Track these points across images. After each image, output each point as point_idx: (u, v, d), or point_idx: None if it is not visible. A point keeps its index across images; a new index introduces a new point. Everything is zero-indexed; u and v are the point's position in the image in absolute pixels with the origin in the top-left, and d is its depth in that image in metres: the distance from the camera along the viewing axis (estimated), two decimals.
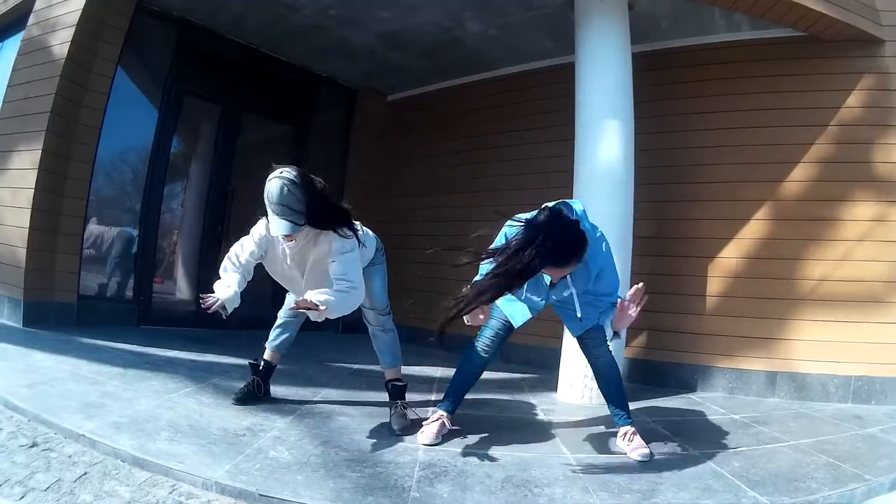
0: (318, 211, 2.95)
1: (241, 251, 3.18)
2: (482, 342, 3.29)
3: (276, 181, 2.84)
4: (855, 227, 4.66)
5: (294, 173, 2.89)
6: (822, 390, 4.56)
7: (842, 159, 4.76)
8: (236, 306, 3.01)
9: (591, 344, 3.25)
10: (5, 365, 3.72)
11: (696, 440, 3.38)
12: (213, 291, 2.96)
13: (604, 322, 3.14)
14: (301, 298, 2.82)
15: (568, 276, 2.94)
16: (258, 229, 3.21)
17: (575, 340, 3.38)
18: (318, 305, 2.74)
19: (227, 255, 3.20)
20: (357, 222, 3.23)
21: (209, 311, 2.92)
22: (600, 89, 4.50)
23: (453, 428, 3.28)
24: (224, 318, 3.02)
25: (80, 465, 2.53)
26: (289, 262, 3.19)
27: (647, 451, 3.05)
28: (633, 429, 3.19)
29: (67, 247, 5.20)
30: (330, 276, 3.01)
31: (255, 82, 6.81)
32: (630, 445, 3.10)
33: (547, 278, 2.98)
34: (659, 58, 5.43)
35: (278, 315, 3.64)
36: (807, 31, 4.83)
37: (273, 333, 3.62)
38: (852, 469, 2.94)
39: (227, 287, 3.01)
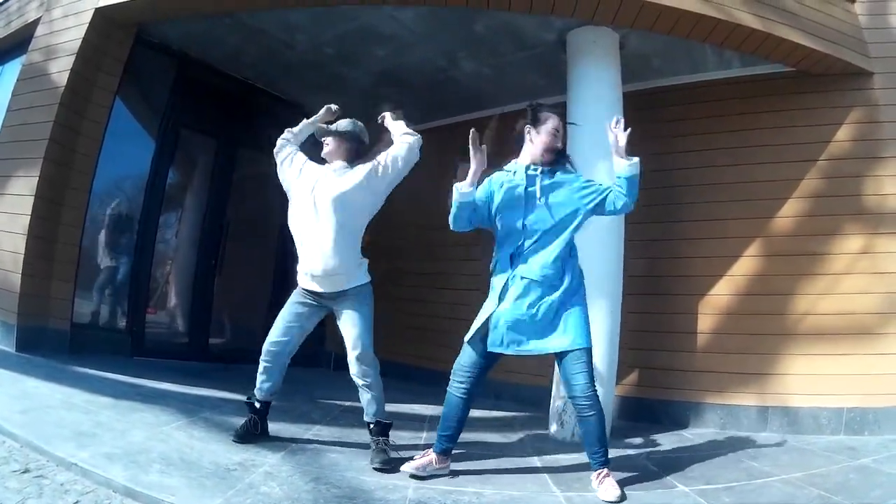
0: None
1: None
2: (454, 383, 3.27)
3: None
4: (845, 261, 4.71)
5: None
6: (814, 423, 4.55)
7: (832, 193, 4.81)
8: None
9: (574, 381, 3.12)
10: None
11: (686, 476, 3.38)
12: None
13: (579, 324, 3.18)
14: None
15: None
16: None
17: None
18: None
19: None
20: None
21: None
22: (592, 129, 4.54)
23: (443, 466, 3.26)
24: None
25: (73, 493, 2.53)
26: (314, 193, 3.48)
27: (617, 491, 2.98)
28: (607, 470, 3.11)
29: (62, 274, 5.19)
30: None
31: (250, 117, 6.85)
32: (602, 486, 3.03)
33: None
34: (650, 96, 5.52)
35: (261, 359, 3.56)
36: (797, 67, 4.92)
37: (259, 380, 3.57)
38: (844, 501, 2.94)
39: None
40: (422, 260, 7.04)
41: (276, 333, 3.53)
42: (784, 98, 5.08)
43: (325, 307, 3.56)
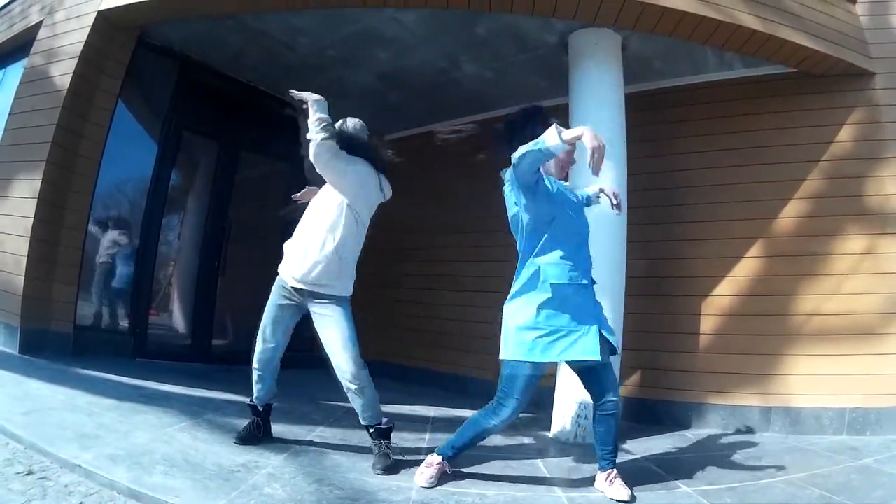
0: None
1: None
2: (501, 417, 3.10)
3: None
4: (847, 261, 4.71)
5: None
6: (816, 423, 4.55)
7: (834, 194, 4.82)
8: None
9: (607, 387, 3.10)
10: (1, 392, 3.73)
11: (689, 477, 3.38)
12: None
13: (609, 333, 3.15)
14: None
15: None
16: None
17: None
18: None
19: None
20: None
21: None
22: (594, 130, 4.57)
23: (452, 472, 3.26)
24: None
25: (77, 494, 2.54)
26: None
27: (627, 491, 2.99)
28: (615, 471, 3.13)
29: (65, 277, 5.21)
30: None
31: (253, 119, 6.87)
32: (612, 486, 3.05)
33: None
34: (652, 98, 5.53)
35: (253, 369, 3.55)
36: (798, 68, 4.93)
37: (255, 388, 3.56)
38: (845, 501, 2.95)
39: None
40: (423, 261, 7.03)
41: (263, 340, 3.49)
42: (785, 99, 5.08)
43: (303, 307, 3.47)
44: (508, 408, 3.06)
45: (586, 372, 3.14)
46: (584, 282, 3.08)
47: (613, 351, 3.16)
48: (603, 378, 3.12)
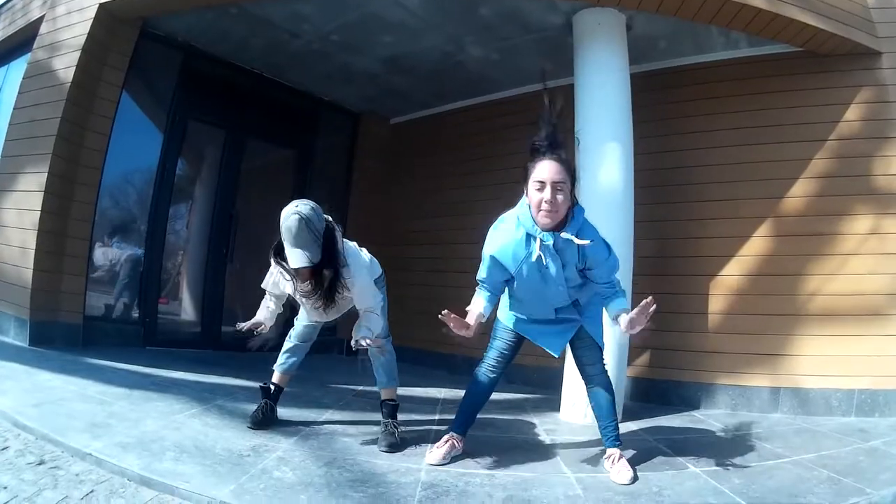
0: (330, 249, 3.08)
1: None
2: (487, 364, 3.34)
3: (294, 217, 2.90)
4: (855, 241, 4.67)
5: (310, 208, 2.98)
6: (825, 405, 4.54)
7: (841, 173, 4.77)
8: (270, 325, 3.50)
9: (587, 362, 3.28)
10: (13, 384, 3.76)
11: (697, 457, 3.38)
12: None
13: (595, 334, 3.25)
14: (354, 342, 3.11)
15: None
16: (269, 275, 3.53)
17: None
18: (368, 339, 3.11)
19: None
20: (363, 248, 3.57)
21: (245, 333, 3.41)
22: (599, 111, 4.57)
23: (461, 447, 3.28)
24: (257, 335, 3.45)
25: (87, 483, 2.56)
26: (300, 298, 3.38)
27: (630, 474, 2.99)
28: (619, 451, 3.17)
29: (73, 268, 5.24)
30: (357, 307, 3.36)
31: (259, 107, 6.87)
32: (614, 467, 3.06)
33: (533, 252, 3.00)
34: (657, 77, 5.49)
35: (288, 336, 3.68)
36: (804, 47, 4.87)
37: (282, 357, 3.67)
38: (854, 483, 2.93)
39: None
40: (431, 244, 7.04)
41: (307, 317, 3.63)
42: (792, 78, 5.03)
43: None
44: (484, 361, 3.37)
45: (575, 360, 3.36)
46: (539, 317, 3.26)
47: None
48: (583, 356, 3.29)
